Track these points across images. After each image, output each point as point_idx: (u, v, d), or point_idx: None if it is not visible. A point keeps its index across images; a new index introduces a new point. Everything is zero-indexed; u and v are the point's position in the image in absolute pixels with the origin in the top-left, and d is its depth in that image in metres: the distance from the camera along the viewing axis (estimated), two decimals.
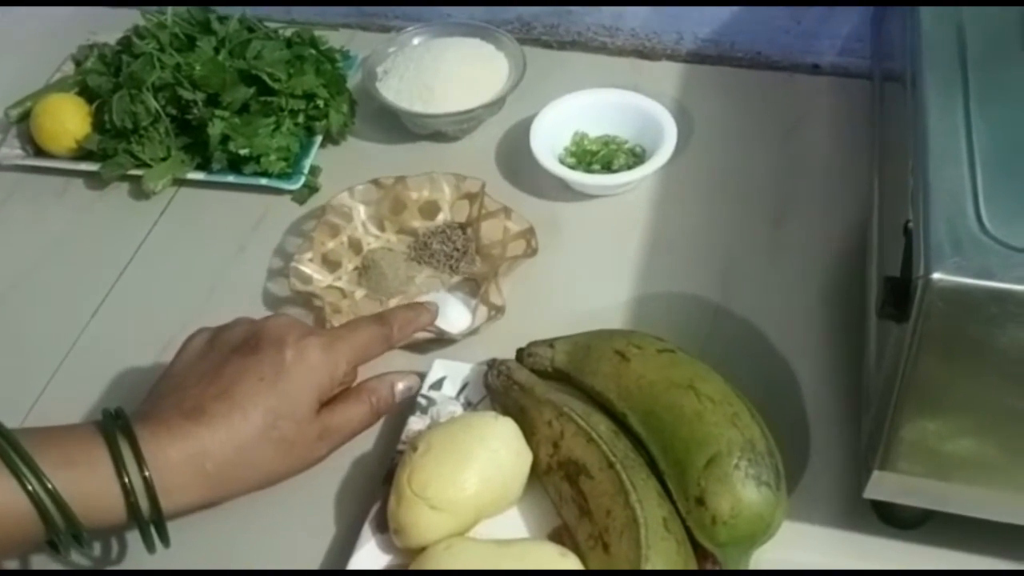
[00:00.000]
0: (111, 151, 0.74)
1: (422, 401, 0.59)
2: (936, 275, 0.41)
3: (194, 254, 0.72)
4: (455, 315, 0.64)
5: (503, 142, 0.78)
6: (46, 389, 0.64)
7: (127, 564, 0.56)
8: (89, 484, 0.49)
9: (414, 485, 0.50)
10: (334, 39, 0.82)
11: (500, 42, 0.79)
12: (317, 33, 0.80)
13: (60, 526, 0.48)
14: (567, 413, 0.52)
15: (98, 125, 0.75)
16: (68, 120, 0.75)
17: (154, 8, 0.79)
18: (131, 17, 0.82)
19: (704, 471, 0.48)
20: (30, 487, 0.47)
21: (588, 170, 0.72)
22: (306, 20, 0.88)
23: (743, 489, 0.48)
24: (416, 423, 0.58)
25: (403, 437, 0.57)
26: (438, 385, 0.59)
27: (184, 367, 0.56)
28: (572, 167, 0.72)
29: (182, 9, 0.79)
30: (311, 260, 0.67)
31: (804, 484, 0.55)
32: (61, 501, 0.48)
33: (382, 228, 0.70)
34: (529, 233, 0.68)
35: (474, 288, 0.67)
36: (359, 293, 0.67)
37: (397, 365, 0.62)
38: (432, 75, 0.75)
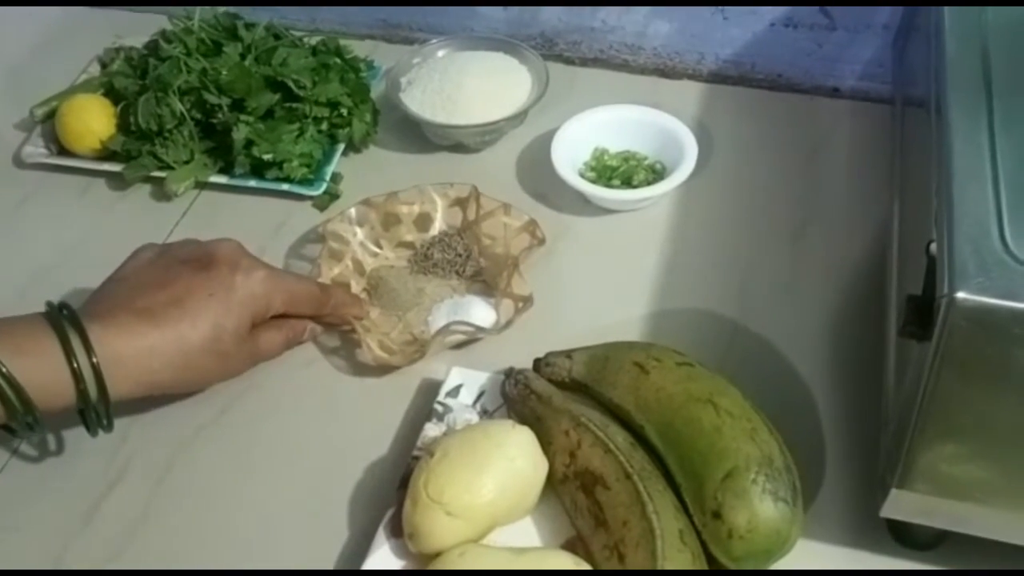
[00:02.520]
0: (135, 152, 0.75)
1: (438, 408, 0.59)
2: (960, 294, 0.42)
3: None
4: (479, 314, 0.65)
5: (523, 155, 0.78)
6: None
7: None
8: (41, 371, 0.53)
9: (430, 490, 0.51)
10: (358, 49, 0.83)
11: (523, 56, 0.80)
12: (342, 43, 0.81)
13: (18, 409, 0.52)
14: (584, 423, 0.53)
15: (123, 126, 0.76)
16: (93, 120, 0.76)
17: (182, 13, 0.80)
18: (156, 21, 0.83)
19: (721, 485, 0.48)
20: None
21: (608, 185, 0.73)
22: (331, 30, 0.88)
23: (760, 504, 0.48)
24: (432, 429, 0.58)
25: (419, 443, 0.57)
26: (455, 393, 0.60)
27: (133, 273, 0.60)
28: (592, 182, 0.73)
29: (209, 15, 0.80)
30: None
31: (819, 501, 0.55)
32: (18, 386, 0.51)
33: (379, 246, 0.70)
34: (531, 225, 0.68)
35: (485, 288, 0.68)
36: (374, 312, 0.67)
37: (429, 367, 0.63)
38: (455, 87, 0.76)
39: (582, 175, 0.73)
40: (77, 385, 0.53)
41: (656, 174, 0.73)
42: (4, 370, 0.51)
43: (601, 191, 0.71)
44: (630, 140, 0.75)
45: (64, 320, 0.54)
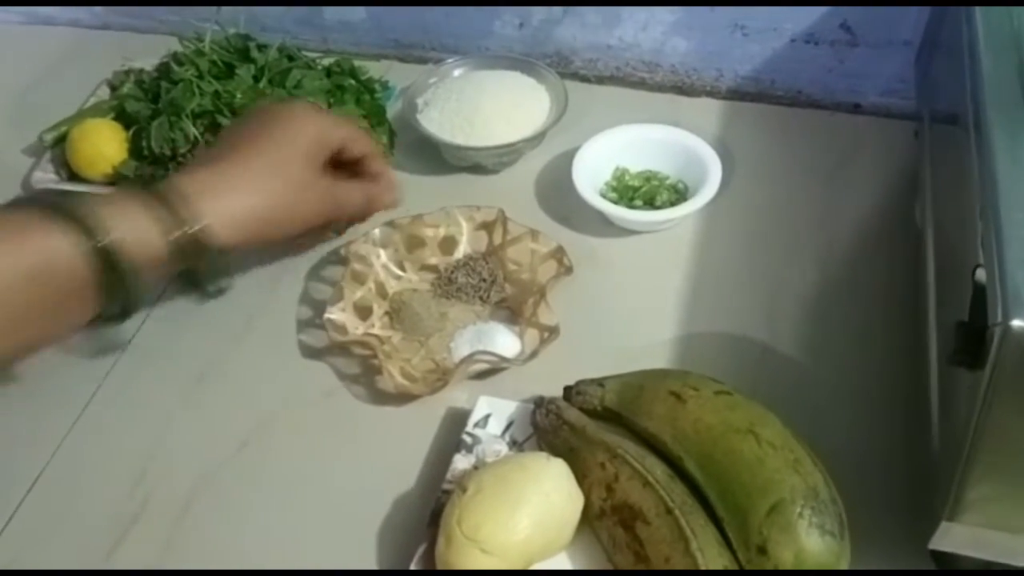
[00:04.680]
0: (147, 177, 0.73)
1: (467, 439, 0.57)
2: (1016, 323, 0.40)
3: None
4: (503, 342, 0.63)
5: (542, 175, 0.77)
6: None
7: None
8: (137, 235, 0.53)
9: (464, 527, 0.49)
10: (372, 70, 0.81)
11: (541, 75, 0.79)
12: (355, 63, 0.79)
13: (122, 273, 0.52)
14: (621, 455, 0.51)
15: (135, 151, 0.74)
16: (105, 145, 0.75)
17: (192, 34, 0.79)
18: (165, 43, 0.82)
19: (766, 519, 0.47)
20: (88, 243, 0.51)
21: (630, 206, 0.71)
22: (343, 51, 0.87)
23: (807, 538, 0.46)
24: (461, 462, 0.56)
25: (448, 476, 0.56)
26: (483, 423, 0.58)
27: (219, 146, 0.62)
28: (614, 202, 0.71)
29: (220, 36, 0.78)
30: (343, 310, 0.65)
31: (862, 532, 0.54)
32: (117, 249, 0.52)
33: (403, 268, 0.69)
34: (559, 252, 0.67)
35: (510, 315, 0.66)
36: (396, 337, 0.66)
37: (453, 396, 0.62)
38: (473, 108, 0.75)
39: (603, 195, 0.72)
40: (177, 243, 0.54)
41: (679, 194, 0.72)
42: (106, 240, 0.51)
43: (625, 212, 0.70)
44: (651, 159, 0.74)
45: (149, 188, 0.55)
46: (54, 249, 0.51)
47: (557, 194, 0.74)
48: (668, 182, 0.73)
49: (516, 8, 0.83)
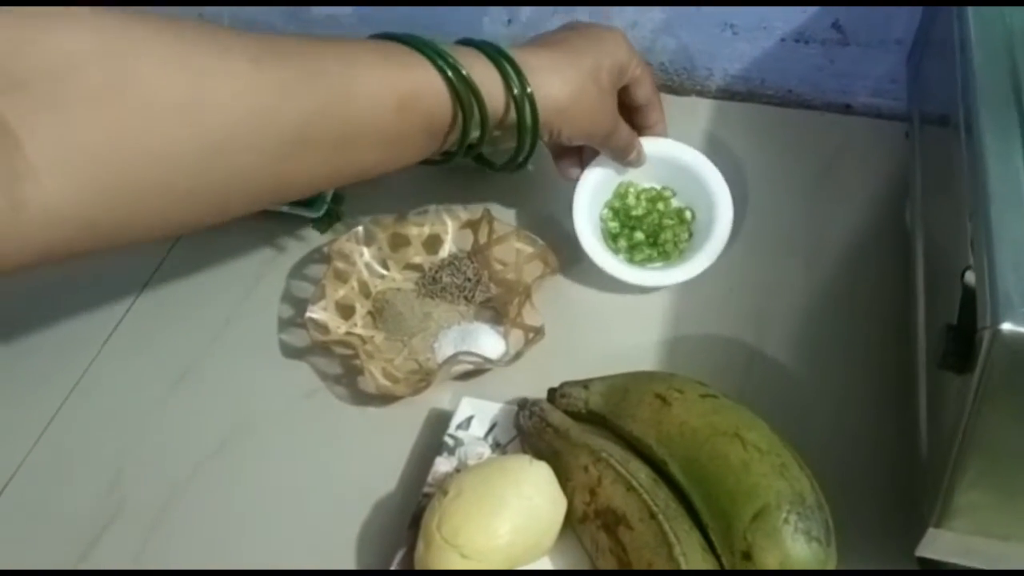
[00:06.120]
0: None
1: (449, 441, 0.56)
2: (1005, 326, 0.39)
3: (209, 280, 0.70)
4: (487, 342, 0.62)
5: (528, 173, 0.76)
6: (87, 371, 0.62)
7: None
8: (490, 84, 0.58)
9: (444, 531, 0.48)
10: None
11: None
12: None
13: (482, 103, 0.57)
14: (605, 459, 0.50)
15: None
16: None
17: None
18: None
19: (751, 524, 0.46)
20: (449, 74, 0.56)
21: (631, 239, 0.67)
22: None
23: (793, 544, 0.45)
24: (443, 464, 0.55)
25: (429, 479, 0.55)
26: (465, 425, 0.57)
27: (540, 40, 0.65)
28: (615, 235, 0.68)
29: None
30: (324, 309, 0.64)
31: (848, 538, 0.53)
32: (471, 82, 0.56)
33: (387, 267, 0.68)
34: (545, 252, 0.66)
35: (495, 316, 0.65)
36: (378, 337, 0.65)
37: (436, 397, 0.61)
38: None
39: (604, 220, 0.69)
40: (517, 97, 0.58)
41: (684, 223, 0.69)
42: (464, 72, 0.56)
43: (630, 274, 0.65)
44: (657, 176, 0.69)
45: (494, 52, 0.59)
46: (423, 78, 0.55)
47: (543, 193, 0.73)
48: (674, 205, 0.69)
49: (505, 4, 0.82)
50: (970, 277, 0.44)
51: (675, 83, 0.83)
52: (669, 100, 0.82)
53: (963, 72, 0.52)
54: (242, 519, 0.57)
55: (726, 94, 0.83)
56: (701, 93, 0.83)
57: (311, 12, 0.88)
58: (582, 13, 0.81)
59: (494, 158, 0.67)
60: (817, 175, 0.75)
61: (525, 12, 0.83)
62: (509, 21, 0.84)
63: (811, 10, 0.76)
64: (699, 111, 0.81)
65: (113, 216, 0.47)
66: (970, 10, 0.55)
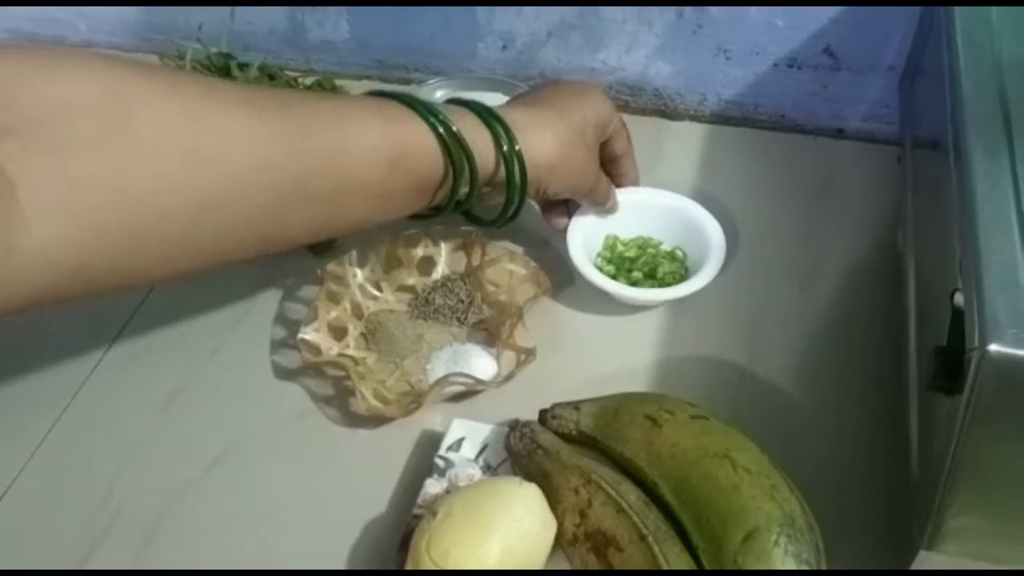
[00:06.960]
0: None
1: (439, 463, 0.56)
2: (993, 347, 0.40)
3: (202, 300, 0.70)
4: (479, 364, 0.62)
5: None
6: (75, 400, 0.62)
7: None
8: (480, 141, 0.59)
9: (433, 553, 0.48)
10: (354, 90, 0.81)
11: None
12: (338, 83, 0.79)
13: (471, 159, 0.58)
14: (595, 480, 0.50)
15: None
16: None
17: (174, 53, 0.78)
18: (146, 61, 0.81)
19: (741, 547, 0.46)
20: (440, 130, 0.57)
21: (630, 279, 0.67)
22: (325, 70, 0.87)
23: (783, 566, 0.45)
24: (433, 486, 0.55)
25: (419, 500, 0.54)
26: (456, 446, 0.57)
27: (523, 99, 0.67)
28: (612, 275, 0.67)
29: (201, 55, 0.78)
30: (317, 330, 0.64)
31: (839, 561, 0.53)
32: (462, 139, 0.57)
33: (379, 289, 0.68)
34: (537, 273, 0.66)
35: (487, 337, 0.66)
36: (370, 358, 0.65)
37: (428, 418, 0.60)
38: None
39: (600, 268, 0.68)
40: (506, 160, 0.60)
41: (678, 261, 0.69)
42: (455, 128, 0.57)
43: (635, 293, 0.66)
44: (641, 226, 0.70)
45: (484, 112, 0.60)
46: (415, 133, 0.56)
47: (535, 216, 0.73)
48: (664, 248, 0.70)
49: (500, 30, 0.83)
50: (959, 299, 0.44)
51: (669, 108, 0.84)
52: (663, 125, 0.84)
53: (953, 97, 0.53)
54: (233, 539, 0.56)
55: (720, 119, 0.83)
56: (695, 118, 0.84)
57: (308, 38, 0.88)
58: (577, 37, 0.82)
59: (482, 213, 0.67)
60: (810, 199, 0.75)
61: (520, 38, 0.84)
62: (504, 47, 0.84)
63: (803, 35, 0.77)
64: (693, 136, 0.82)
65: (106, 262, 0.47)
66: (959, 35, 0.56)
